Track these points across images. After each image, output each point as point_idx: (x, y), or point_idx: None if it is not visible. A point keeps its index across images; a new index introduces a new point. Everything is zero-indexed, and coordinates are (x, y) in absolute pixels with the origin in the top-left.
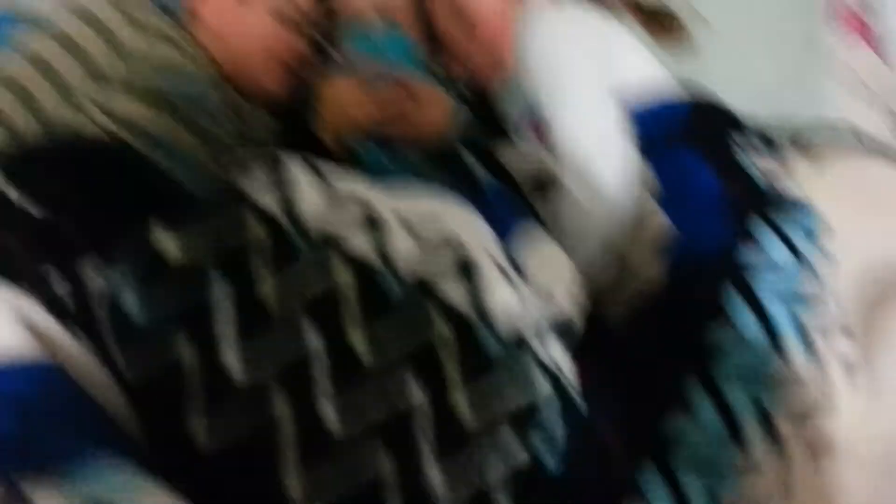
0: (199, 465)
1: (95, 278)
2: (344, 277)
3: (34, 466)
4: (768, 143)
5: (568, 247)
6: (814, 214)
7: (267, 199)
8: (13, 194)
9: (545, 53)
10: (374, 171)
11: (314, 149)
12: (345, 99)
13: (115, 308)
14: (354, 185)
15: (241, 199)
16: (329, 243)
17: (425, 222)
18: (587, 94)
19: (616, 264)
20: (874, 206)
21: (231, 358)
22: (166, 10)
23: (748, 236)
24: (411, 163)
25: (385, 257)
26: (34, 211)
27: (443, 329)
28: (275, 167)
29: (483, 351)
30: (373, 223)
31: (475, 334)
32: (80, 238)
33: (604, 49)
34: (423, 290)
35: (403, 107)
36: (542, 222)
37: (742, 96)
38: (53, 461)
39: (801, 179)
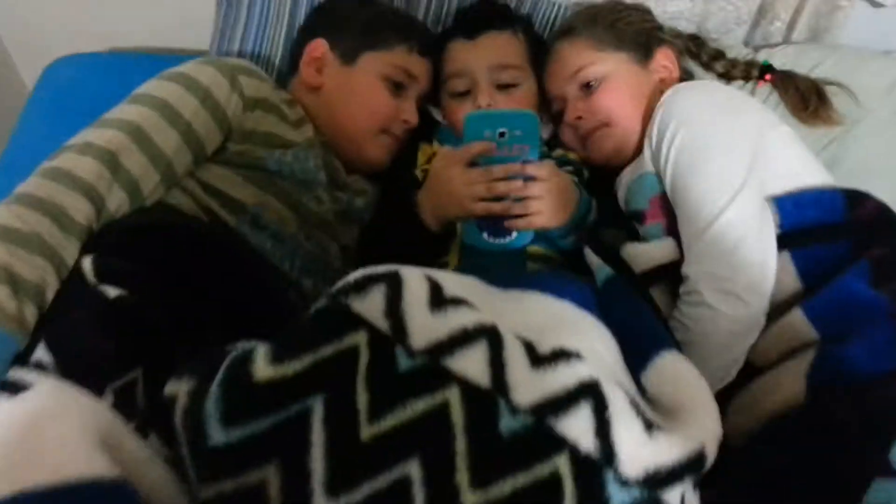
0: None
1: (178, 388)
2: (451, 402)
3: None
4: None
5: (695, 349)
6: None
7: (374, 314)
8: (99, 282)
9: (682, 131)
10: (471, 253)
11: (412, 221)
12: (452, 174)
13: (197, 424)
14: (469, 290)
15: (346, 316)
16: (436, 360)
17: (544, 336)
18: (728, 175)
19: (745, 371)
20: None
21: (318, 487)
22: (279, 80)
23: None
24: (520, 251)
25: (498, 380)
26: (116, 299)
27: (562, 469)
28: (386, 280)
29: (607, 499)
30: (487, 338)
31: (599, 478)
32: (164, 338)
33: (748, 128)
34: (541, 421)
35: (519, 190)
36: (664, 321)
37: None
38: None
39: None
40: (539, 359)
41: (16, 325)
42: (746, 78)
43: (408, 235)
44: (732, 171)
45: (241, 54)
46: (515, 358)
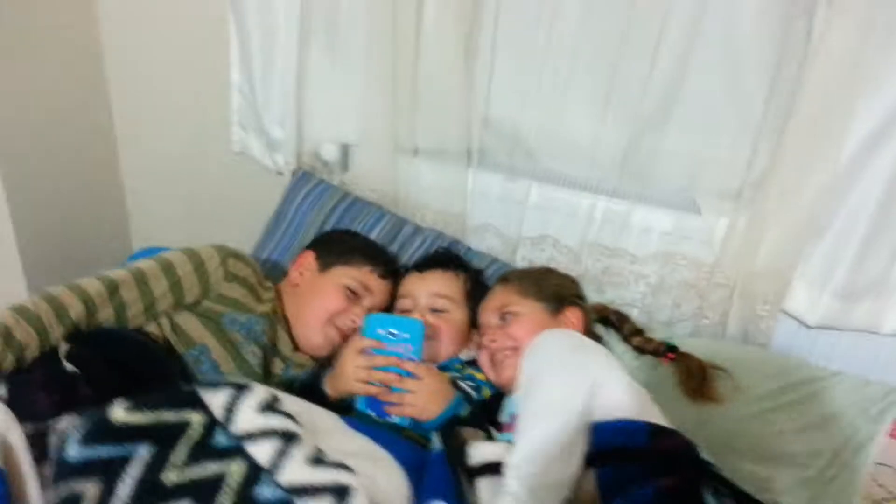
0: None
1: (63, 426)
2: (234, 471)
3: None
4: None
5: None
6: None
7: (215, 404)
8: (66, 360)
9: (532, 366)
10: (360, 425)
11: (317, 389)
12: (346, 358)
13: (63, 441)
14: (311, 413)
15: (193, 398)
16: (241, 443)
17: (341, 456)
18: (551, 403)
19: None
20: None
21: None
22: (268, 271)
23: None
24: (397, 428)
25: (275, 464)
26: (71, 373)
27: None
28: (240, 387)
29: None
30: (286, 438)
31: None
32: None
33: (584, 366)
34: (290, 499)
35: (394, 381)
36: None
37: None
38: None
39: None
40: (318, 460)
41: None
42: (655, 354)
43: (312, 398)
44: (561, 397)
45: (266, 261)
46: (299, 454)
